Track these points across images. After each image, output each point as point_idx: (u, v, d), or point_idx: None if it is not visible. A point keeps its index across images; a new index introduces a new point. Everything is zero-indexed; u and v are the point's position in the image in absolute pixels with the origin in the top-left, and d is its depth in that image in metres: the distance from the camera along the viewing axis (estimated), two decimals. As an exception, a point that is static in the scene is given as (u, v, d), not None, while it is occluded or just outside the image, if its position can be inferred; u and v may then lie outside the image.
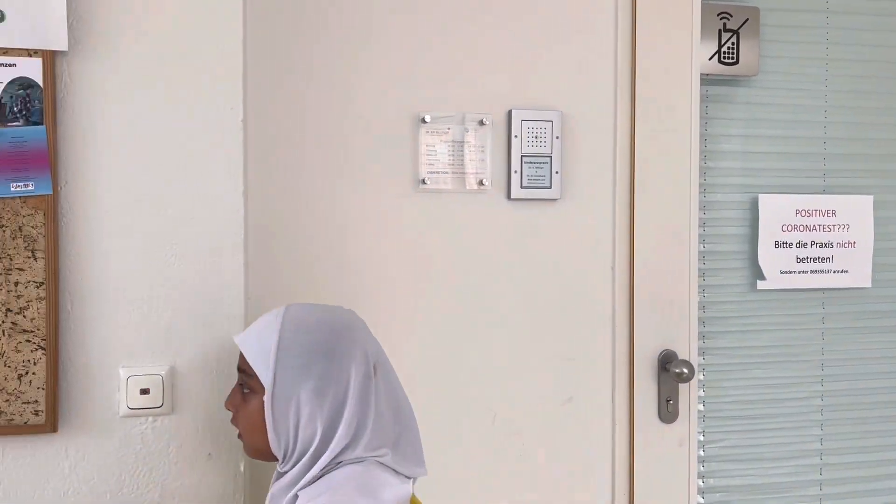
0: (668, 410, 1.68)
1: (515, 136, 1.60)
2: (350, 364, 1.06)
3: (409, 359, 1.59)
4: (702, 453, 1.81)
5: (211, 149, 1.27)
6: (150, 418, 1.25)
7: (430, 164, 1.57)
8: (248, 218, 1.32)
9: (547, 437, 1.64)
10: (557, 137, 1.62)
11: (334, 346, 1.07)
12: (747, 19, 1.78)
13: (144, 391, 1.24)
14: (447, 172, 1.58)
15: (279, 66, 1.51)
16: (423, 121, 1.57)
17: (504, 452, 1.62)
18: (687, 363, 1.65)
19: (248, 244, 1.34)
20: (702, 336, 1.78)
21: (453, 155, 1.58)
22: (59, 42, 1.18)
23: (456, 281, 1.59)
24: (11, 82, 1.17)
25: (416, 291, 1.57)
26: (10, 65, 1.17)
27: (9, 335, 1.18)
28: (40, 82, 1.18)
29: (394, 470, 1.08)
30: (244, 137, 1.30)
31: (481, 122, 1.59)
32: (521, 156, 1.60)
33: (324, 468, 1.05)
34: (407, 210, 1.57)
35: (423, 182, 1.57)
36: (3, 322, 1.18)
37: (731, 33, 1.78)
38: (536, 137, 1.61)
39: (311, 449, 1.05)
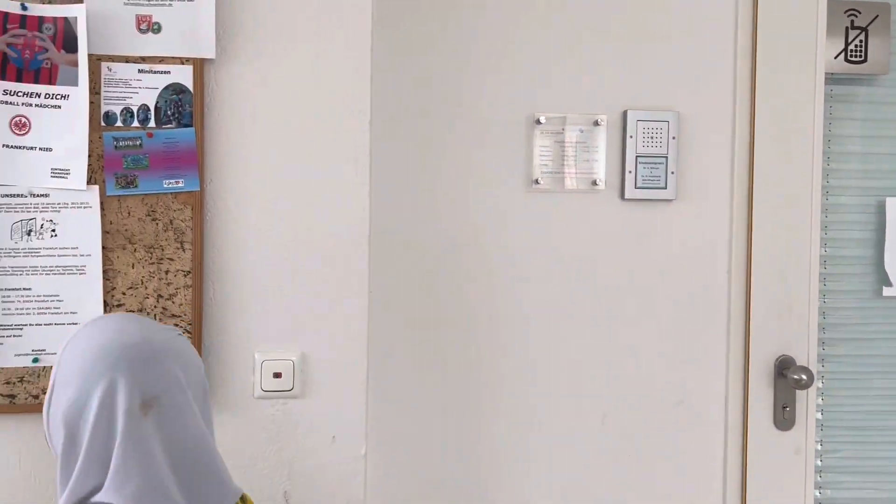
0: (783, 417, 1.64)
1: (630, 137, 1.61)
2: (94, 392, 0.91)
3: (520, 356, 1.62)
4: (819, 463, 1.75)
5: (340, 150, 1.35)
6: (281, 401, 1.34)
7: (543, 165, 1.60)
8: (372, 215, 1.38)
9: (656, 439, 1.64)
10: (674, 138, 1.61)
11: (89, 369, 0.92)
12: (877, 16, 1.71)
13: (277, 375, 1.33)
14: (560, 172, 1.61)
15: (400, 70, 1.57)
16: (538, 122, 1.60)
17: (612, 453, 1.63)
18: (806, 369, 1.60)
19: (372, 240, 1.40)
20: (821, 342, 1.73)
21: (567, 155, 1.61)
22: (207, 50, 1.28)
23: (568, 280, 1.61)
24: (166, 88, 1.28)
25: (528, 290, 1.61)
26: (165, 72, 1.28)
27: (160, 319, 1.29)
28: (191, 88, 1.29)
29: None
30: (370, 139, 1.36)
31: (596, 123, 1.61)
32: (636, 156, 1.61)
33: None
34: (520, 209, 1.60)
35: (537, 182, 1.60)
36: (155, 307, 1.29)
37: (858, 31, 1.71)
38: (652, 138, 1.61)
39: (58, 478, 0.93)
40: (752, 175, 1.62)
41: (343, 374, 1.35)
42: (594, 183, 1.61)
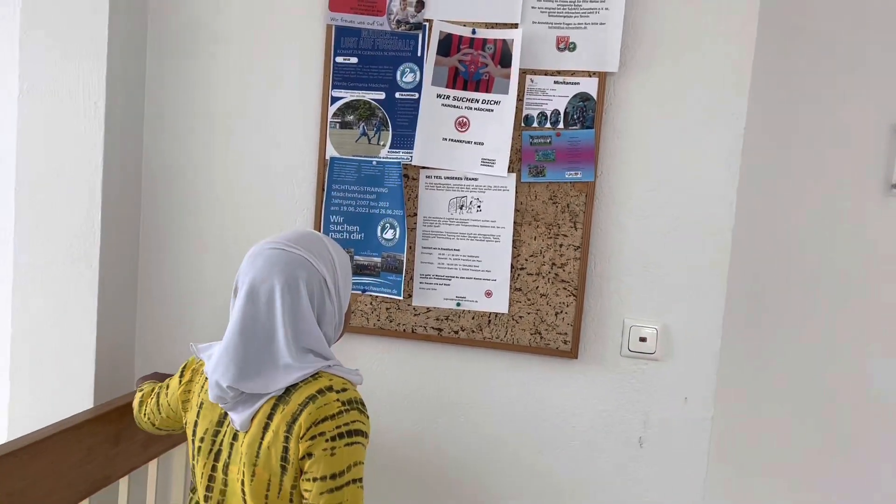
0: None
1: None
2: None
3: (857, 361, 1.71)
4: None
5: (713, 152, 1.54)
6: (643, 361, 1.59)
7: (906, 171, 1.66)
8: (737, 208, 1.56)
9: None
10: None
11: None
12: None
13: (642, 339, 1.58)
14: (923, 179, 1.65)
15: (773, 80, 1.71)
16: (904, 129, 1.65)
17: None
18: None
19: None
20: None
21: (932, 162, 1.64)
22: (612, 65, 1.55)
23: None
24: (574, 96, 1.57)
25: (879, 291, 1.68)
26: (575, 83, 1.57)
27: (552, 282, 1.60)
28: (595, 96, 1.56)
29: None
30: (743, 143, 1.54)
31: (969, 132, 1.62)
32: None
33: None
34: (878, 213, 1.68)
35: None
36: (549, 272, 1.61)
37: None
38: None
39: None
40: None
41: (698, 345, 1.56)
42: (961, 191, 1.63)
